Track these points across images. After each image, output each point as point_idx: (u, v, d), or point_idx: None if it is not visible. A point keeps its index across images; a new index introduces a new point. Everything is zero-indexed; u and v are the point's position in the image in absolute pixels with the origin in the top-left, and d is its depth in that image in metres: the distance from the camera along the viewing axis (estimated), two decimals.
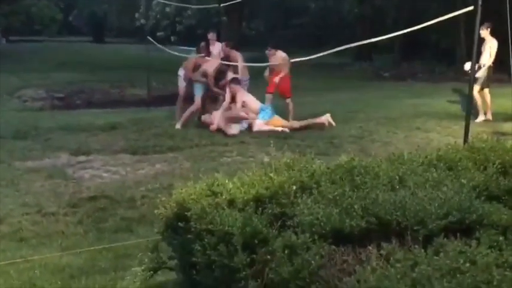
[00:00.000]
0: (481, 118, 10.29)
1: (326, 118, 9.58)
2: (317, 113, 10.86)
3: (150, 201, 5.88)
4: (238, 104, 9.56)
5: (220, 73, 9.76)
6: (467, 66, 10.37)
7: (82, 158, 7.92)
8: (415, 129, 9.52)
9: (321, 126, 9.53)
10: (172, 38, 25.54)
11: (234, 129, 9.19)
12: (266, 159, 7.73)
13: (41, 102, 14.38)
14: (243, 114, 9.44)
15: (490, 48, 10.29)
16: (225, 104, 9.55)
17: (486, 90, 10.49)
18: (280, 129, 9.36)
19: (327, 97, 14.03)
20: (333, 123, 9.59)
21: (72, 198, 6.09)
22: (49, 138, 9.15)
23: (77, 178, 6.96)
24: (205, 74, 9.82)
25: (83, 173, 7.19)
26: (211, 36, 10.97)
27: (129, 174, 7.18)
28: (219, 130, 9.35)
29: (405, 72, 18.87)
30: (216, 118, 9.42)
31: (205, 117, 9.77)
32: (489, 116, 10.28)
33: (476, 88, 10.20)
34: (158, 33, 18.44)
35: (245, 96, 9.69)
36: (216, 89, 9.81)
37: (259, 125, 9.39)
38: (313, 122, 9.61)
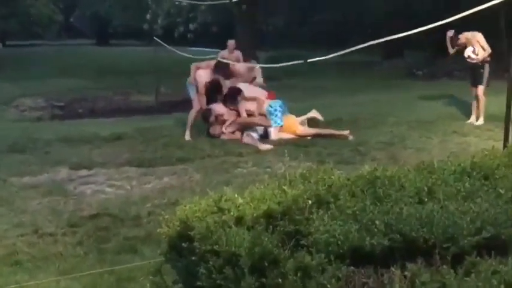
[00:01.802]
0: (472, 120, 10.23)
1: (349, 132, 9.38)
2: (341, 117, 10.85)
3: (156, 219, 5.85)
4: (243, 115, 9.57)
5: (214, 86, 9.82)
6: (468, 51, 10.40)
7: (84, 172, 7.97)
8: (452, 133, 9.44)
9: (343, 138, 9.31)
10: (188, 36, 25.71)
11: (264, 145, 8.96)
12: (284, 169, 7.72)
13: (40, 112, 14.54)
14: (255, 120, 9.42)
15: (478, 43, 10.18)
16: (228, 123, 9.65)
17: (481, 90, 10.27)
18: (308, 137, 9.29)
19: (352, 99, 14.00)
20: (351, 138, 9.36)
21: (72, 216, 6.12)
22: (48, 151, 9.23)
23: (78, 194, 7.01)
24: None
25: (84, 189, 7.23)
26: (231, 44, 10.87)
27: (135, 188, 7.21)
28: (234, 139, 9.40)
29: (440, 69, 18.72)
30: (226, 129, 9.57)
31: (214, 130, 9.80)
32: (480, 121, 10.03)
33: (481, 88, 10.18)
34: (162, 28, 18.55)
35: (247, 105, 9.66)
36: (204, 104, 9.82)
37: (275, 132, 9.36)
38: (335, 133, 9.44)
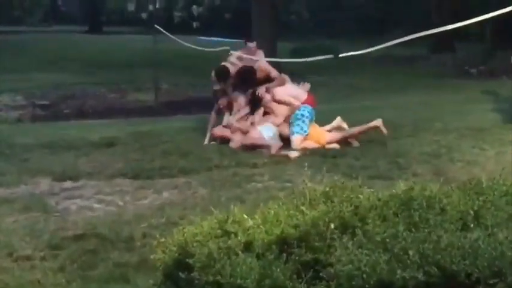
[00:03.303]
0: None
1: (378, 122, 9.51)
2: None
3: (152, 242, 5.92)
4: (257, 117, 9.60)
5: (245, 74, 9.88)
6: None
7: (68, 184, 8.05)
8: (510, 143, 9.39)
9: (375, 130, 9.52)
10: (194, 25, 25.85)
11: (293, 152, 9.03)
12: (308, 184, 7.71)
13: (19, 112, 14.71)
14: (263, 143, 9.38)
15: None
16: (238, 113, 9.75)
17: None
18: (336, 146, 9.34)
19: (391, 101, 13.98)
20: (385, 131, 9.51)
21: (53, 237, 6.18)
22: (27, 158, 9.33)
23: (61, 211, 7.07)
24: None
25: (68, 204, 7.30)
26: (252, 47, 10.41)
27: (128, 205, 7.27)
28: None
29: (498, 67, 18.64)
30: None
31: (216, 130, 9.88)
32: None
33: None
34: (161, 14, 18.59)
35: (273, 106, 9.67)
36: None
37: (298, 141, 9.36)
38: (364, 129, 9.56)
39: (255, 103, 9.72)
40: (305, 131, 9.40)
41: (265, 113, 9.72)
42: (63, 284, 5.19)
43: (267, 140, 9.36)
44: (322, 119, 10.01)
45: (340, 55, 6.38)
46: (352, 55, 6.50)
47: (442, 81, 17.36)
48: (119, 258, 5.69)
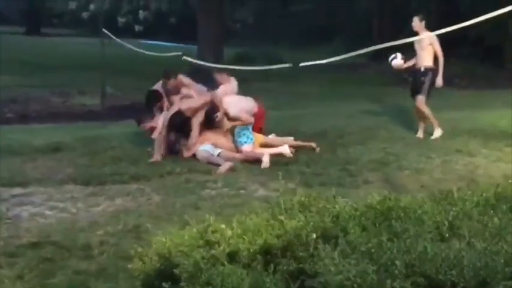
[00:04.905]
0: (419, 134, 10.76)
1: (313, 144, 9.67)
2: (323, 130, 10.97)
3: (111, 249, 5.88)
4: (195, 134, 9.48)
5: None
6: (397, 60, 11.03)
7: (18, 190, 7.88)
8: (455, 152, 9.62)
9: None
10: (136, 28, 25.67)
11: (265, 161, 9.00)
12: (262, 191, 7.78)
13: None
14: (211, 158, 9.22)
15: (431, 46, 10.64)
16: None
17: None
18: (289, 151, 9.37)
19: (337, 108, 14.15)
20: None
21: (8, 245, 6.04)
22: None
23: (13, 218, 6.93)
24: None
25: (19, 211, 7.15)
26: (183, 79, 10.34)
27: (81, 212, 7.17)
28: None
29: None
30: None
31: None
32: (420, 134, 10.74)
33: (421, 98, 10.80)
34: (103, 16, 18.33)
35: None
36: None
37: (248, 149, 9.32)
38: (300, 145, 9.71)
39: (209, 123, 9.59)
40: (251, 139, 9.42)
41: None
42: None
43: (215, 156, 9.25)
44: (269, 125, 10.10)
45: (301, 64, 6.45)
46: (312, 64, 6.58)
47: (382, 89, 17.59)
48: (78, 266, 5.60)
